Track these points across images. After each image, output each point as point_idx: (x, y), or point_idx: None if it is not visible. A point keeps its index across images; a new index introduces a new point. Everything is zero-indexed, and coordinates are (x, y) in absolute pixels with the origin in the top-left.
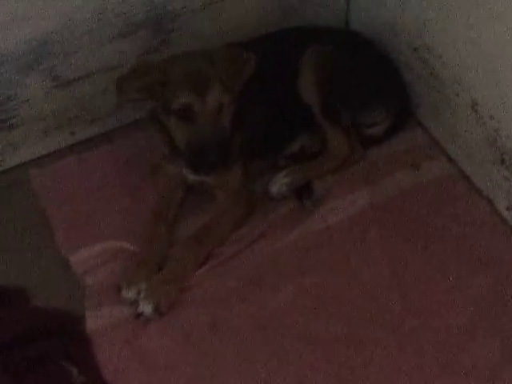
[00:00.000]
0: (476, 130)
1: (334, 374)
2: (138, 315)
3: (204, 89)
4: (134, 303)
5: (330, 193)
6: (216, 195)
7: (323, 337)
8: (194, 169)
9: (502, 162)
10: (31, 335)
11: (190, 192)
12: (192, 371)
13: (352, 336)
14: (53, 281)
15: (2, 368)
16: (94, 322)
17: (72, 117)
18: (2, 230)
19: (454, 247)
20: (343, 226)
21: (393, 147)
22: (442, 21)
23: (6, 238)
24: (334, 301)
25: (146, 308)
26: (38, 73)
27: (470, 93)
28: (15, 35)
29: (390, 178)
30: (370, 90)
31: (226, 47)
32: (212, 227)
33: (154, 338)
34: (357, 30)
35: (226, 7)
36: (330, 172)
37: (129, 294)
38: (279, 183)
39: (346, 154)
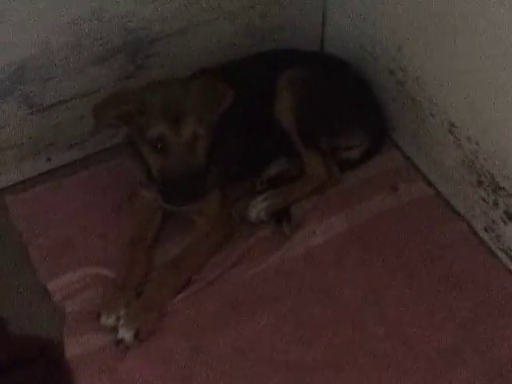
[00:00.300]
0: (453, 152)
1: None
2: (118, 342)
3: (178, 120)
4: (114, 330)
5: (307, 216)
6: (194, 221)
7: (304, 362)
8: (166, 200)
9: (480, 183)
10: (9, 364)
11: (167, 217)
12: None
13: (332, 361)
14: (31, 308)
15: None
16: (73, 349)
17: (48, 143)
18: None
19: (433, 269)
20: (322, 250)
21: (370, 170)
22: (417, 43)
23: None
24: (313, 325)
25: (126, 335)
26: (14, 99)
27: (447, 115)
28: None
29: (367, 201)
30: (347, 114)
31: (204, 79)
32: (190, 253)
33: (134, 365)
34: (332, 53)
35: (202, 31)
36: (307, 196)
37: (108, 320)
38: (257, 208)
39: (324, 178)
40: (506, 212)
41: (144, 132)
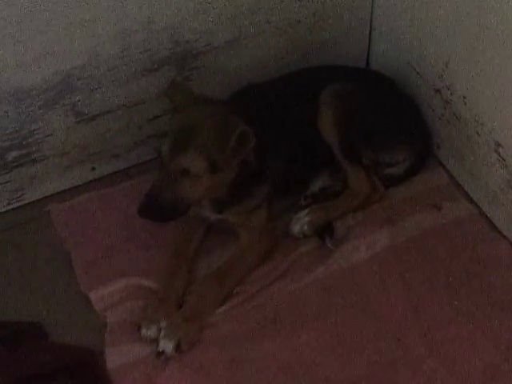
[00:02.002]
0: (498, 172)
1: None
2: (159, 354)
3: (180, 150)
4: (154, 341)
5: (350, 232)
6: (238, 233)
7: (343, 378)
8: (138, 208)
9: None
10: (49, 372)
11: (211, 229)
12: None
13: (373, 377)
14: (72, 317)
15: None
16: (113, 359)
17: (93, 152)
18: (21, 266)
19: (475, 288)
20: (364, 266)
21: (414, 187)
22: (465, 61)
23: (25, 274)
24: (354, 341)
25: (167, 346)
26: (62, 108)
27: (493, 134)
28: (40, 70)
29: (411, 218)
30: (391, 130)
31: (221, 114)
32: (233, 265)
33: (174, 377)
34: (377, 70)
35: (248, 45)
36: (350, 211)
37: (149, 332)
38: (301, 222)
39: (367, 194)
40: None
41: None
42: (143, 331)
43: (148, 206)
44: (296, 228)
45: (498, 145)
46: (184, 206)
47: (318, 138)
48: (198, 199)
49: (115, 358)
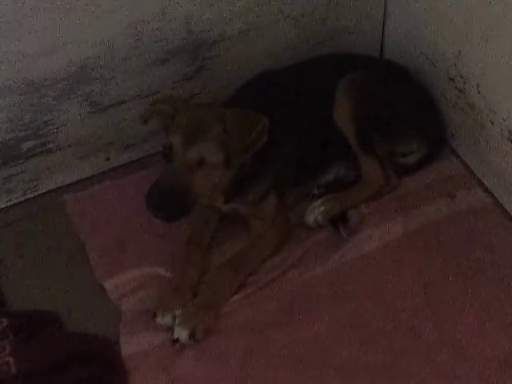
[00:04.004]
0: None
1: None
2: (174, 341)
3: (194, 140)
4: (169, 329)
5: (364, 221)
6: (251, 223)
7: (358, 367)
8: (146, 204)
9: None
10: (65, 361)
11: (224, 218)
12: None
13: (387, 366)
14: (87, 306)
15: None
16: (128, 347)
17: (108, 142)
18: (37, 255)
19: (488, 277)
20: (378, 255)
21: (428, 176)
22: (478, 50)
23: (40, 263)
24: (368, 330)
25: (182, 334)
26: (76, 98)
27: (507, 123)
28: (54, 61)
29: (424, 207)
30: (406, 120)
31: (239, 109)
32: (247, 254)
33: (189, 365)
34: (391, 59)
35: (262, 34)
36: (365, 201)
37: (164, 320)
38: (315, 212)
39: (381, 183)
40: None
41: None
42: (158, 319)
43: (158, 199)
44: (310, 218)
45: None
46: (193, 200)
47: (332, 127)
48: (209, 192)
49: (130, 346)
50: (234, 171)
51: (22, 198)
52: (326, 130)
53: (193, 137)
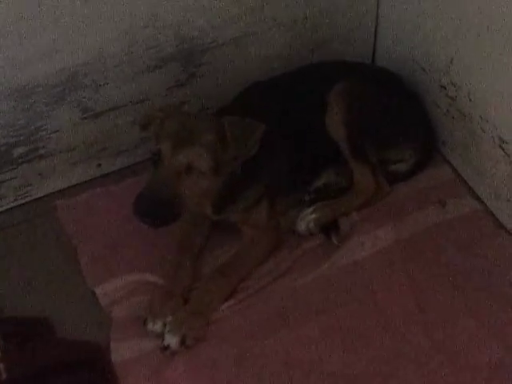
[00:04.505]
0: (502, 168)
1: None
2: (164, 348)
3: (182, 146)
4: (160, 336)
5: (355, 228)
6: (243, 230)
7: (349, 373)
8: (133, 209)
9: None
10: (56, 367)
11: (216, 225)
12: None
13: (378, 372)
14: (78, 312)
15: None
16: (119, 354)
17: (99, 149)
18: (28, 261)
19: (479, 284)
20: (369, 262)
21: (419, 184)
22: (470, 58)
23: (31, 269)
24: (359, 337)
25: (172, 341)
26: (68, 104)
27: (498, 131)
28: (47, 67)
29: (415, 215)
30: (397, 127)
31: (233, 117)
32: (237, 261)
33: (179, 372)
34: (383, 66)
35: (254, 42)
36: (356, 208)
37: (154, 327)
38: (307, 219)
39: (373, 191)
40: None
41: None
42: (149, 326)
43: (145, 205)
44: (302, 225)
45: (503, 141)
46: (180, 207)
47: (323, 134)
48: (196, 199)
49: (121, 352)
50: (222, 179)
51: (13, 204)
52: (317, 136)
53: (182, 142)
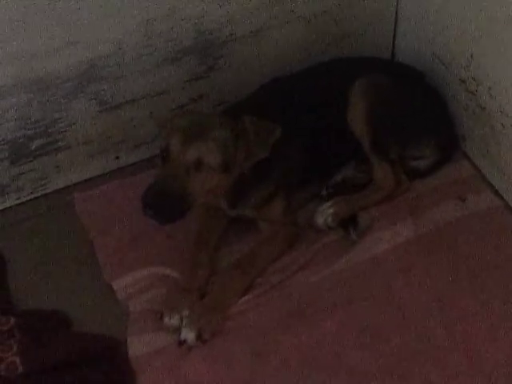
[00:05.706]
0: None
1: None
2: (181, 342)
3: (191, 141)
4: (177, 330)
5: (374, 224)
6: (260, 225)
7: (366, 369)
8: (142, 205)
9: None
10: (72, 361)
11: (232, 220)
12: None
13: (396, 369)
14: (95, 306)
15: None
16: (136, 348)
17: (117, 141)
18: (44, 254)
19: (499, 280)
20: (388, 257)
21: (439, 179)
22: (490, 53)
23: (49, 263)
24: (378, 333)
25: (189, 335)
26: (86, 97)
27: None
28: (65, 59)
29: (435, 210)
30: (419, 124)
31: (258, 119)
32: (254, 256)
33: (196, 366)
34: (405, 62)
35: (273, 35)
36: (375, 204)
37: (171, 321)
38: (325, 214)
39: (392, 187)
40: None
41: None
42: (166, 320)
43: (152, 202)
44: (320, 220)
45: None
46: (189, 203)
47: (343, 129)
48: (205, 196)
49: (137, 346)
50: (231, 178)
51: (30, 197)
52: (337, 132)
53: (192, 136)
